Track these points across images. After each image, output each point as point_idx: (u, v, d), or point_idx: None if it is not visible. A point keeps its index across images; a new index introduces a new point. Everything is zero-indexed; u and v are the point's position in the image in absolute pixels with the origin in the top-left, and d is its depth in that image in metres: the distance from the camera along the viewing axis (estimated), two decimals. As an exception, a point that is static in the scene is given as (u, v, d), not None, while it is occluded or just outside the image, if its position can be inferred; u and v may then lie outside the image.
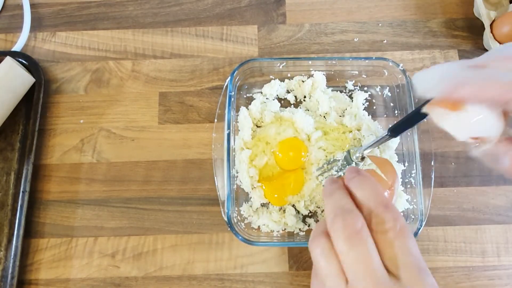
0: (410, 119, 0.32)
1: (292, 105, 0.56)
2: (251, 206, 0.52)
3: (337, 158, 0.50)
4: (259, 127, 0.55)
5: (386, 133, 0.39)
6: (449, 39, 0.59)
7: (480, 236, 0.52)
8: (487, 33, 0.57)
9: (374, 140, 0.44)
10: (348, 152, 0.49)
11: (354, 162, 0.48)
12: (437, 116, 0.24)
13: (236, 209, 0.52)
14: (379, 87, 0.57)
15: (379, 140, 0.43)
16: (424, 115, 0.27)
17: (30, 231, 0.52)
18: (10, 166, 0.54)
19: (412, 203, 0.51)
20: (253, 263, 0.51)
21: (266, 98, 0.56)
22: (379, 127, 0.54)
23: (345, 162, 0.50)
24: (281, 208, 0.52)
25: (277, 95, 0.56)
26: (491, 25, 0.58)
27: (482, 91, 0.21)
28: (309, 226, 0.52)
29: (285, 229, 0.51)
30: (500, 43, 0.56)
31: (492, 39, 0.57)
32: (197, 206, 0.53)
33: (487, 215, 0.53)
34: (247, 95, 0.57)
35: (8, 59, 0.54)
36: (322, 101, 0.54)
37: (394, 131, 0.37)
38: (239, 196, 0.53)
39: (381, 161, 0.45)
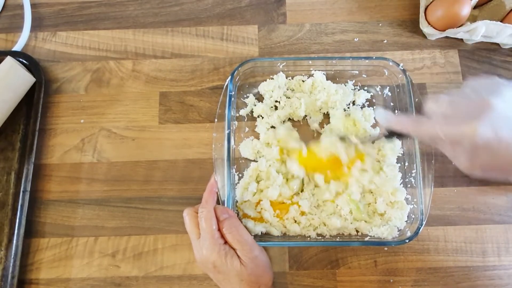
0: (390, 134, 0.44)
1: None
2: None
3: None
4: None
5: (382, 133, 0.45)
6: (449, 39, 0.59)
7: (481, 236, 0.52)
8: (421, 16, 0.58)
9: (371, 137, 0.49)
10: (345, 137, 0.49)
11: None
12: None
13: (236, 209, 0.52)
14: (379, 86, 0.57)
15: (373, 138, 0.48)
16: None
17: (31, 231, 0.52)
18: (11, 165, 0.54)
19: (413, 202, 0.51)
20: (253, 262, 0.51)
21: (270, 107, 0.56)
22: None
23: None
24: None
25: (271, 95, 0.56)
26: (426, 9, 0.58)
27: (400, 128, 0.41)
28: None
29: (285, 233, 0.51)
30: (433, 27, 0.57)
31: (425, 23, 0.58)
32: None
33: (488, 215, 0.53)
34: (248, 95, 0.57)
35: (8, 59, 0.54)
36: (328, 90, 0.54)
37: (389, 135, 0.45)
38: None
39: None
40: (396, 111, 0.55)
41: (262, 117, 0.55)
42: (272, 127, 0.55)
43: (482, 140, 0.33)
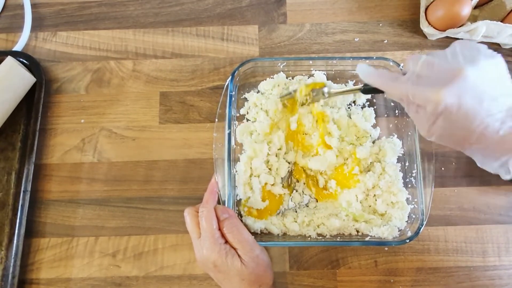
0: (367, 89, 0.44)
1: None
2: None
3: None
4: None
5: (360, 86, 0.45)
6: (450, 39, 0.59)
7: (481, 236, 0.52)
8: (422, 16, 0.58)
9: (343, 89, 0.47)
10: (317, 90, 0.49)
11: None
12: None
13: (237, 208, 0.52)
14: (379, 87, 0.57)
15: (348, 90, 0.47)
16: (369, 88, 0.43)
17: (31, 231, 0.52)
18: (11, 165, 0.54)
19: (413, 202, 0.51)
20: (253, 262, 0.51)
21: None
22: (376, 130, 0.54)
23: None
24: (279, 213, 0.52)
25: (271, 94, 0.56)
26: (426, 8, 0.58)
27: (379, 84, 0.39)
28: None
29: (285, 232, 0.51)
30: (433, 27, 0.57)
31: (426, 23, 0.58)
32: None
33: (488, 215, 0.53)
34: (248, 94, 0.57)
35: (9, 59, 0.54)
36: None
37: (364, 90, 0.45)
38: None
39: None
40: (396, 111, 0.56)
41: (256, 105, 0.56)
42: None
43: (444, 106, 0.32)
